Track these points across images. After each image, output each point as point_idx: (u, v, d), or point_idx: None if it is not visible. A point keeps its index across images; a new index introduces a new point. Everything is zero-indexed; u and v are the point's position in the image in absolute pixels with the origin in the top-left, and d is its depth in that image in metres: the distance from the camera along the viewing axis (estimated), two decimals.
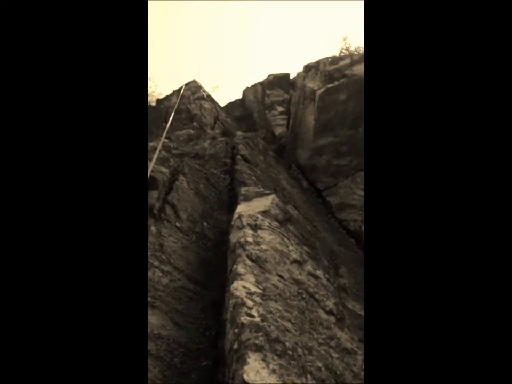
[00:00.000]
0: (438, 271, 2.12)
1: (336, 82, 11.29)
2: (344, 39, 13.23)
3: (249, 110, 15.37)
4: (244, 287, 3.89)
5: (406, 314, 2.11)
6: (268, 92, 14.86)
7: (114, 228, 2.30)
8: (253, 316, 3.49)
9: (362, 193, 11.39)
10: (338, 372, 3.56)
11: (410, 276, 2.16)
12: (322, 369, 3.43)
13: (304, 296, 4.52)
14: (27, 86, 2.30)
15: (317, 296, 4.66)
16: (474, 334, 1.97)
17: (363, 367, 4.01)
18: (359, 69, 11.36)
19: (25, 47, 2.30)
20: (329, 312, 4.57)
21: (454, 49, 2.25)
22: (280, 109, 14.30)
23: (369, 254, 2.29)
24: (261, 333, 3.31)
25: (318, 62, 12.56)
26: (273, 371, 3.02)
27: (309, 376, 3.24)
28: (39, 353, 2.06)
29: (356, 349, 4.26)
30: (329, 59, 12.05)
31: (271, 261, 4.67)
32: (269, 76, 15.22)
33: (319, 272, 5.24)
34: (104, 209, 2.30)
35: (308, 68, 12.94)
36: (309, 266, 5.16)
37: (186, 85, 12.83)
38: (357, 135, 11.64)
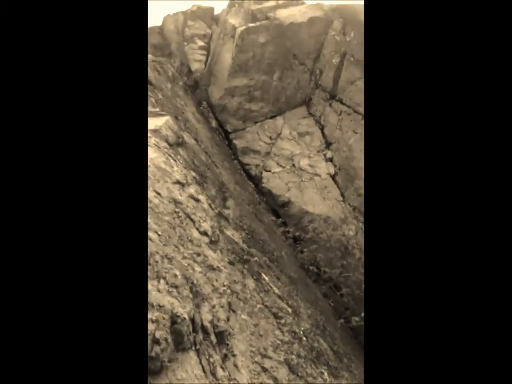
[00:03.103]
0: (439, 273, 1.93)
1: (258, 23, 10.98)
2: None
3: (168, 39, 14.41)
4: None
5: (406, 317, 1.95)
6: (189, 23, 14.00)
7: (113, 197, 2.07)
8: None
9: (268, 140, 11.58)
10: (195, 282, 3.62)
11: (410, 277, 1.97)
12: (179, 277, 3.45)
13: (180, 215, 4.47)
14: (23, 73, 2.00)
15: (193, 217, 4.64)
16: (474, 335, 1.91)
17: (224, 283, 4.15)
18: (282, 13, 11.15)
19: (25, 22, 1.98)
20: (203, 233, 4.60)
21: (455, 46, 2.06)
22: (200, 43, 13.63)
23: (369, 254, 2.12)
24: None
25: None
26: None
27: (162, 281, 3.23)
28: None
29: (222, 268, 4.38)
30: None
31: (150, 177, 4.50)
32: (193, 6, 14.30)
33: (201, 197, 5.21)
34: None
35: (232, 4, 12.37)
36: (191, 190, 5.10)
37: None
38: (271, 82, 11.63)
